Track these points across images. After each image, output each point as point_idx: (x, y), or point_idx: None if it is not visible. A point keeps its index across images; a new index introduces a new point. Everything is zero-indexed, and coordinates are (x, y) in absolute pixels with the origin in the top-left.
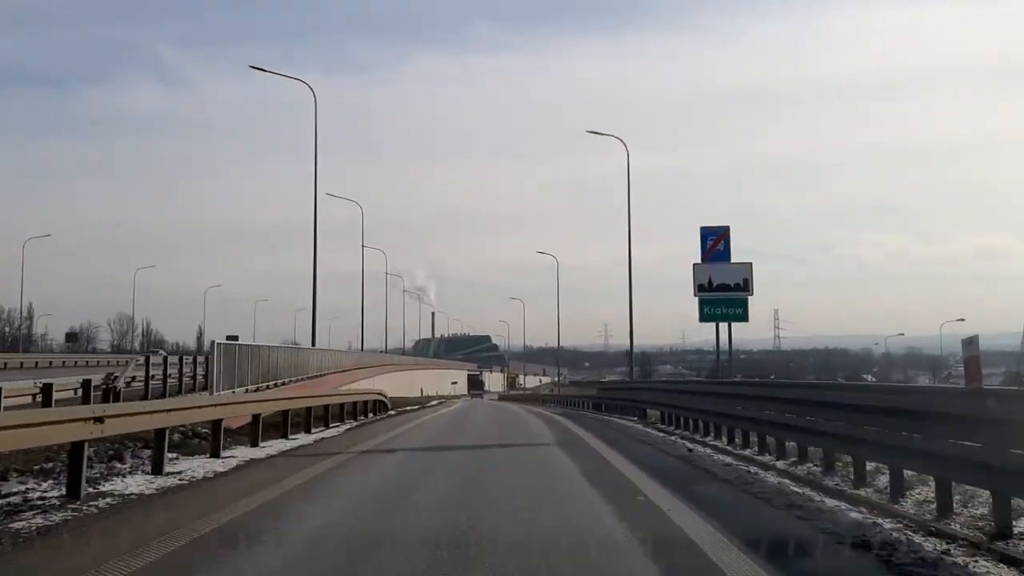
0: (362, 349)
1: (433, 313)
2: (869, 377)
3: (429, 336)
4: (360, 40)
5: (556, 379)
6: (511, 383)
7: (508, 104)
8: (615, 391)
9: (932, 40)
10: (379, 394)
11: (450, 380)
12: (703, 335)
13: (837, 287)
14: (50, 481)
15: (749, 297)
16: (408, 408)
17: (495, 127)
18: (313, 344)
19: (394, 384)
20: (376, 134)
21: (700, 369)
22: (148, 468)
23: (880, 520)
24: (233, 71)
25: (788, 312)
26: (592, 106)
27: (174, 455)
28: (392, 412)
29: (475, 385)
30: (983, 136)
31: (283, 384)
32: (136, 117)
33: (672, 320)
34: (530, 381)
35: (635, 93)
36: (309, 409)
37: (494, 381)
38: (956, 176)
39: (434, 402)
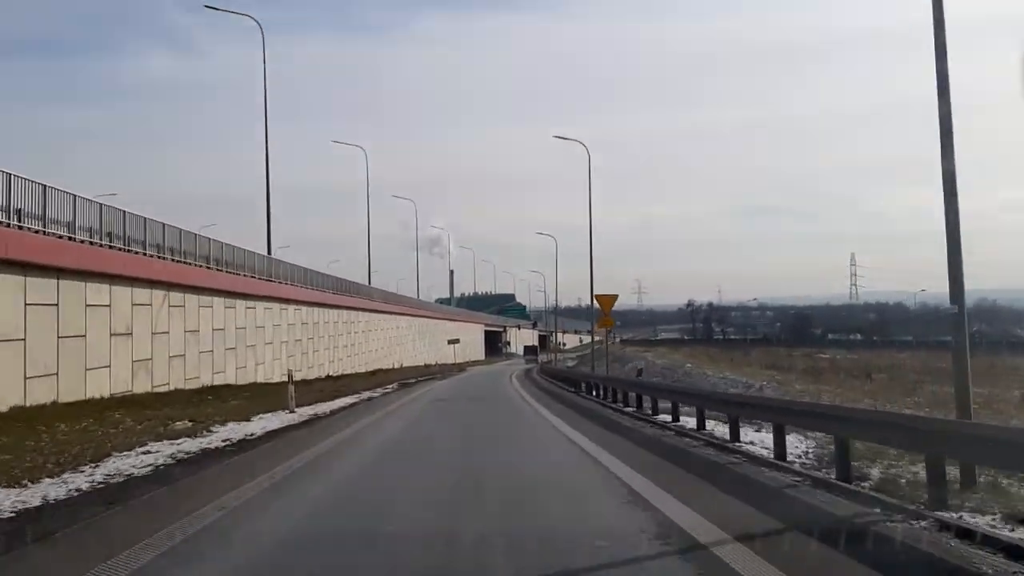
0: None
1: (452, 271)
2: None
3: (448, 296)
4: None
5: (539, 357)
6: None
7: (531, 62)
8: None
9: None
10: None
11: (447, 338)
12: (741, 293)
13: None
14: None
15: None
16: None
17: (517, 88)
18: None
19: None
20: (387, 94)
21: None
22: None
23: None
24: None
25: (824, 270)
26: (611, 63)
27: None
28: None
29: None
30: None
31: None
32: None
33: (704, 278)
34: (570, 340)
35: (654, 49)
36: None
37: (522, 340)
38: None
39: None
